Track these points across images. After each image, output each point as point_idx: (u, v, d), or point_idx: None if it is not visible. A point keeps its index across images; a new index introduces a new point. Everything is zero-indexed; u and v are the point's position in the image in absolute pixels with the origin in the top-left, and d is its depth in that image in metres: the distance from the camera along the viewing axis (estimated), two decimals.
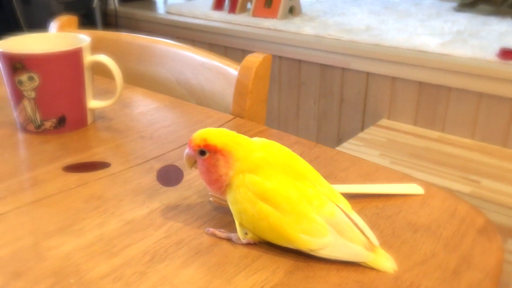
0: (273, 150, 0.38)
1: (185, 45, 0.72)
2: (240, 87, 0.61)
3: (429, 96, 1.61)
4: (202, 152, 0.37)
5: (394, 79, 1.66)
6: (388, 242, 0.37)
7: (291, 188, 0.35)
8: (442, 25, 1.84)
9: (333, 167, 0.49)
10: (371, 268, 0.34)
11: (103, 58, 0.55)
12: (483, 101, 1.50)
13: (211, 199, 0.42)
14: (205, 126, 0.58)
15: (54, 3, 2.30)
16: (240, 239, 0.37)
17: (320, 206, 0.35)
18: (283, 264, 0.35)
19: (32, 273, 0.34)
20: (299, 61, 1.86)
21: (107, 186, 0.45)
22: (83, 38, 0.57)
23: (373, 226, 0.39)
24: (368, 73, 1.71)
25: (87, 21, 2.36)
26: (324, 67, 1.81)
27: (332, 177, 0.47)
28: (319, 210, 0.34)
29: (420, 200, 0.43)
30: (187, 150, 0.39)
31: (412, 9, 2.15)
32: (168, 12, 2.25)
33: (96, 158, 0.51)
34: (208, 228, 0.39)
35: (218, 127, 0.58)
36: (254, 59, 0.61)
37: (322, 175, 0.45)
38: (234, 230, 0.38)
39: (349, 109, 1.80)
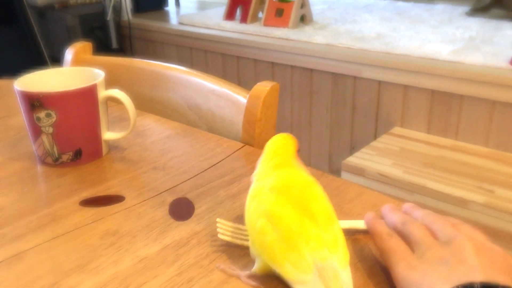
0: (299, 180, 0.40)
1: (196, 72, 0.74)
2: (249, 116, 0.63)
3: (442, 104, 1.60)
4: None
5: (406, 87, 1.67)
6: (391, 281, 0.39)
7: (296, 221, 0.36)
8: (454, 31, 1.84)
9: (340, 198, 0.50)
10: None
11: (117, 93, 0.58)
12: (496, 109, 1.49)
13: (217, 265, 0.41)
14: (216, 155, 0.60)
15: (69, 17, 2.35)
16: (248, 280, 0.38)
17: (315, 248, 0.35)
18: None
19: None
20: (311, 70, 1.87)
21: (121, 221, 0.47)
22: (97, 73, 0.59)
23: (376, 262, 0.41)
24: (380, 82, 1.72)
25: (101, 33, 2.40)
26: (335, 75, 1.82)
27: (338, 209, 0.48)
28: (313, 251, 0.35)
29: None
30: None
31: (424, 14, 2.15)
32: (180, 23, 2.28)
33: (111, 191, 0.53)
34: (219, 264, 0.40)
35: (228, 156, 0.60)
36: (262, 88, 0.63)
37: None
38: (244, 267, 0.39)
39: (361, 117, 1.80)
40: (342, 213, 0.47)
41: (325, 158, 1.94)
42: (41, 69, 0.60)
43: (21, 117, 0.71)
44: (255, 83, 0.63)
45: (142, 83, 0.79)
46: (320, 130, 1.92)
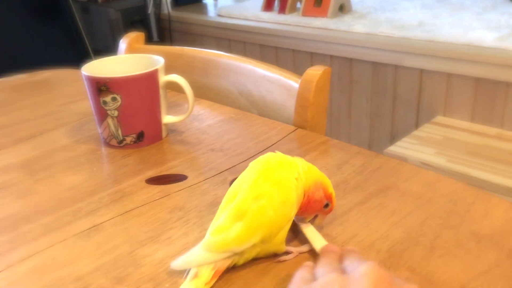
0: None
1: (246, 59, 0.76)
2: (302, 100, 0.65)
3: (487, 92, 1.58)
4: (327, 205, 0.42)
5: (449, 75, 1.64)
6: (452, 252, 0.40)
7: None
8: (498, 18, 1.79)
9: (395, 177, 0.51)
10: None
11: (176, 78, 0.60)
12: None
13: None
14: (270, 138, 0.62)
15: (112, 11, 2.41)
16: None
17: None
18: None
19: (132, 278, 0.39)
20: (351, 59, 1.86)
21: (187, 198, 0.50)
22: (157, 60, 0.62)
23: (437, 236, 0.42)
24: (422, 70, 1.70)
25: (142, 26, 2.46)
26: (376, 64, 1.81)
27: (394, 188, 0.49)
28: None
29: (482, 210, 0.45)
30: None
31: (466, 1, 2.10)
32: (219, 15, 2.30)
33: (173, 170, 0.56)
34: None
35: (282, 138, 0.61)
36: (315, 73, 0.64)
37: (384, 186, 0.48)
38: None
39: (402, 106, 1.79)
40: (399, 191, 0.49)
41: (364, 148, 1.94)
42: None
43: (82, 103, 0.75)
44: None
45: (194, 70, 0.82)
46: (360, 120, 1.91)
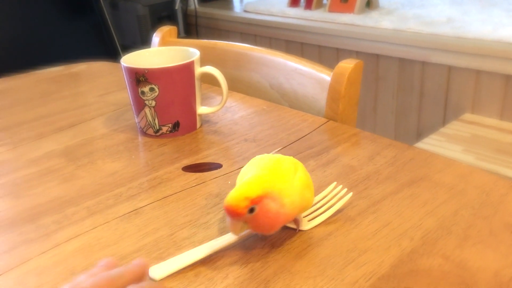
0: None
1: (278, 52, 0.77)
2: (333, 92, 0.65)
3: None
4: (252, 210, 0.38)
5: (478, 72, 1.62)
6: (485, 241, 0.40)
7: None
8: None
9: (428, 169, 0.52)
10: None
11: (211, 69, 0.62)
12: None
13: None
14: (301, 129, 0.63)
15: (140, 7, 2.45)
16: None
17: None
18: (388, 258, 0.39)
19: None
20: (377, 55, 1.85)
21: (222, 185, 0.52)
22: (193, 52, 0.64)
23: (470, 225, 0.42)
24: (450, 67, 1.68)
25: (169, 21, 2.49)
26: (403, 61, 1.80)
27: (427, 179, 0.50)
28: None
29: None
30: (230, 220, 0.38)
31: None
32: (245, 11, 2.32)
33: (208, 159, 0.57)
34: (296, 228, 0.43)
35: (313, 130, 0.63)
36: (347, 66, 0.65)
37: (417, 177, 0.49)
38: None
39: (429, 103, 1.77)
40: (431, 183, 0.49)
41: None
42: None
43: (118, 94, 0.78)
44: None
45: (226, 64, 0.84)
46: (385, 116, 1.90)
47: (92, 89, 0.83)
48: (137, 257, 0.41)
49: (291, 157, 0.45)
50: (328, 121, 0.65)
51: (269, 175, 0.41)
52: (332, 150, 0.58)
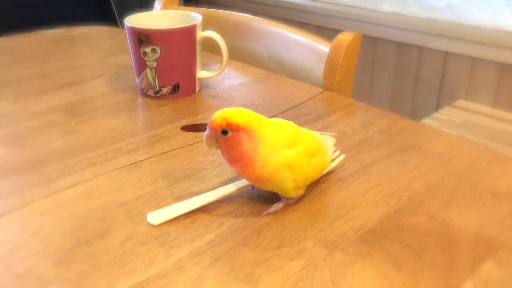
0: (290, 126, 0.43)
1: (279, 23, 0.78)
2: (331, 63, 0.67)
3: (511, 77, 1.57)
4: (225, 132, 0.39)
5: (474, 59, 1.64)
6: (469, 203, 0.43)
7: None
8: None
9: (418, 138, 0.54)
10: None
11: (212, 34, 0.63)
12: None
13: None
14: (298, 97, 0.65)
15: None
16: (293, 199, 0.43)
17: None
18: (375, 215, 0.41)
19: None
20: (375, 38, 1.86)
21: None
22: (195, 16, 0.65)
23: (455, 190, 0.45)
24: (446, 53, 1.70)
25: None
26: (400, 45, 1.81)
27: (417, 147, 0.52)
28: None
29: (500, 171, 0.47)
30: (207, 132, 0.40)
31: None
32: None
33: (207, 121, 0.59)
34: (266, 212, 0.42)
35: (310, 98, 0.64)
36: (345, 38, 0.66)
37: (408, 145, 0.51)
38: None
39: (424, 88, 1.79)
40: (421, 151, 0.51)
41: None
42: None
43: (119, 57, 0.79)
44: None
45: (226, 33, 0.84)
46: (380, 100, 1.92)
47: (93, 51, 0.84)
48: (137, 204, 0.43)
49: (306, 134, 0.44)
50: (324, 91, 0.66)
51: (264, 122, 0.41)
52: (327, 117, 0.59)
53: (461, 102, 1.68)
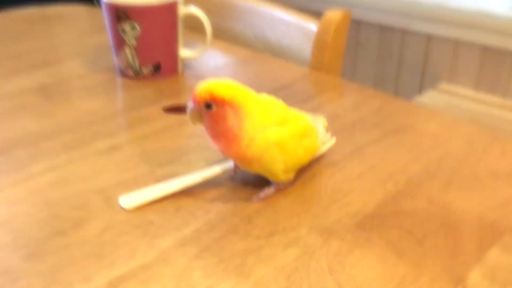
0: (280, 103, 0.41)
1: (264, 1, 0.75)
2: (319, 42, 0.64)
3: (493, 60, 1.57)
4: (209, 106, 0.36)
5: (457, 42, 1.63)
6: (469, 186, 0.41)
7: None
8: None
9: (413, 118, 0.51)
10: None
11: (195, 11, 0.60)
12: None
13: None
14: (285, 78, 0.62)
15: None
16: (283, 183, 0.40)
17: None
18: (372, 199, 0.39)
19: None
20: (358, 22, 1.84)
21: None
22: None
23: (455, 172, 0.42)
24: (429, 36, 1.68)
25: None
26: (383, 28, 1.79)
27: (412, 128, 0.50)
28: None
29: (499, 151, 0.45)
30: (190, 105, 0.37)
31: None
32: None
33: None
34: (256, 198, 0.39)
35: (298, 79, 0.61)
36: (334, 15, 0.63)
37: (402, 126, 0.49)
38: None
39: (407, 72, 1.78)
40: (416, 131, 0.49)
41: None
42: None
43: (97, 37, 0.75)
44: None
45: (208, 13, 0.81)
46: (363, 83, 1.90)
47: (69, 31, 0.80)
48: (116, 190, 0.40)
49: (296, 114, 0.41)
50: (312, 71, 0.64)
51: (252, 97, 0.38)
52: (317, 98, 0.57)
53: (444, 85, 1.67)
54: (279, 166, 0.38)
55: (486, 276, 0.32)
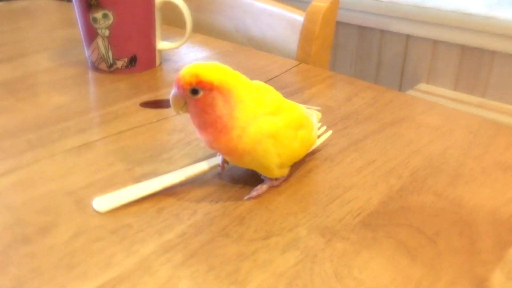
0: (274, 91, 0.37)
1: None
2: (306, 32, 0.61)
3: (472, 60, 1.57)
4: (195, 91, 0.32)
5: (435, 42, 1.63)
6: (478, 179, 0.37)
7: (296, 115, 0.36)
8: None
9: (410, 110, 0.48)
10: None
11: None
12: None
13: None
14: (272, 70, 0.58)
15: None
16: (277, 179, 0.36)
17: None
18: (375, 195, 0.36)
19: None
20: (337, 22, 1.82)
21: (186, 121, 0.46)
22: None
23: (461, 164, 0.39)
24: (408, 36, 1.67)
25: None
26: (362, 28, 1.78)
27: (410, 119, 0.46)
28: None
29: (505, 143, 0.42)
30: (174, 91, 0.33)
31: None
32: None
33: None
34: (248, 197, 0.35)
35: (285, 71, 0.58)
36: (321, 4, 0.60)
37: (399, 117, 0.45)
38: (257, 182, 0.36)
39: (386, 72, 1.77)
40: (415, 123, 0.46)
41: None
42: None
43: (65, 31, 0.69)
44: None
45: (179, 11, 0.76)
46: None
47: (35, 25, 0.74)
48: (89, 192, 0.35)
49: (290, 103, 0.37)
50: (300, 63, 0.60)
51: (244, 82, 0.34)
52: (307, 91, 0.53)
53: (423, 86, 1.66)
54: (273, 159, 0.34)
55: (511, 277, 0.28)
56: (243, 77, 0.34)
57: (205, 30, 0.76)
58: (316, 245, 0.31)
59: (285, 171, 0.36)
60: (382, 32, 1.72)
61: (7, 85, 0.53)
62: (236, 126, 0.33)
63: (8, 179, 0.37)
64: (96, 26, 0.53)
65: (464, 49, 1.56)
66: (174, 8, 0.55)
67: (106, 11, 0.52)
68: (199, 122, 0.34)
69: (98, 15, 0.52)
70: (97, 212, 0.33)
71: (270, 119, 0.34)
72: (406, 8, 1.63)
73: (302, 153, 0.37)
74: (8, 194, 0.35)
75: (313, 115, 0.41)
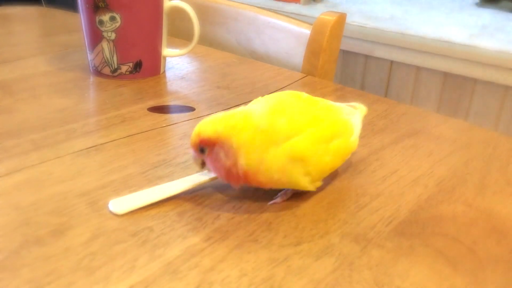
0: (293, 105, 0.35)
1: (249, 5, 0.71)
2: (314, 45, 0.60)
3: (454, 87, 1.60)
4: (202, 150, 0.32)
5: (418, 68, 1.65)
6: (505, 190, 0.36)
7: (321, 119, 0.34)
8: (467, 18, 1.83)
9: (424, 123, 0.48)
10: None
11: (182, 4, 0.54)
12: (509, 95, 1.49)
13: None
14: (279, 81, 0.57)
15: None
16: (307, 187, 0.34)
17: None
18: (404, 204, 0.34)
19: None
20: None
21: None
22: None
23: (485, 175, 0.38)
24: (392, 62, 1.70)
25: None
26: (346, 53, 1.80)
27: (426, 132, 0.46)
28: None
29: None
30: (192, 152, 0.33)
31: (433, 2, 2.14)
32: None
33: (177, 103, 0.49)
34: (272, 202, 0.34)
35: (292, 83, 0.57)
36: (329, 17, 0.60)
37: (415, 130, 0.45)
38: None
39: None
40: (430, 136, 0.45)
41: None
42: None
43: (63, 37, 0.67)
44: None
45: (187, 17, 0.75)
46: None
47: (30, 30, 0.72)
48: (103, 194, 0.33)
49: (322, 109, 0.36)
50: (306, 75, 0.59)
51: (243, 123, 0.31)
52: None
53: None
54: (302, 179, 0.32)
55: None
56: (243, 115, 0.32)
57: (206, 42, 0.75)
58: (352, 252, 0.29)
59: (319, 183, 0.35)
60: (366, 57, 1.74)
61: (4, 86, 0.50)
62: (247, 171, 0.31)
63: (12, 179, 0.34)
64: (102, 29, 0.51)
65: (447, 76, 1.59)
66: (181, 14, 0.54)
67: (114, 14, 0.50)
68: (219, 175, 0.33)
69: (105, 17, 0.51)
70: (114, 214, 0.31)
71: (288, 144, 0.32)
72: (390, 35, 1.66)
73: (336, 164, 0.35)
74: (14, 194, 0.32)
75: (355, 114, 0.39)
